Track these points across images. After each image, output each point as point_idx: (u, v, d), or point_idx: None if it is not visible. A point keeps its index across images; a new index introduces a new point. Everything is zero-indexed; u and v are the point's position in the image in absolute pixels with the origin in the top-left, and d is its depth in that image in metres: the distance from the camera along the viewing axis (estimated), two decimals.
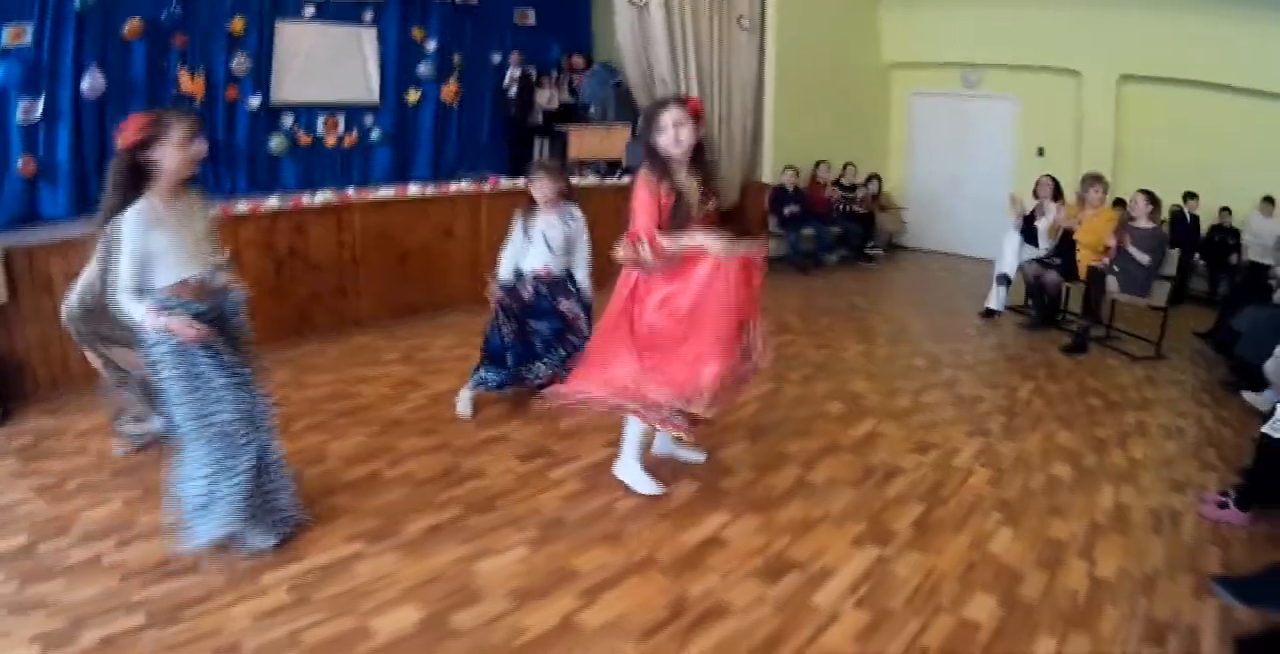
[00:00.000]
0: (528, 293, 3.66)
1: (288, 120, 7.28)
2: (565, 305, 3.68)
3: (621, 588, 2.44)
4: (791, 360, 4.79)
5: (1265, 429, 3.01)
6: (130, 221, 2.28)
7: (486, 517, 2.87)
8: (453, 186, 6.15)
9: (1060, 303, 5.85)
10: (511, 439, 3.55)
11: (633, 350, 2.81)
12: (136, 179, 2.31)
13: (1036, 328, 5.82)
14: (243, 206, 4.99)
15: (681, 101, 2.80)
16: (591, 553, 2.63)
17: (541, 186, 3.55)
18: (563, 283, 3.69)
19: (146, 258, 2.30)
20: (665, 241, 2.71)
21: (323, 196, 5.34)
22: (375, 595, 2.39)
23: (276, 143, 7.15)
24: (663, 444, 3.32)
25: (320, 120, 7.50)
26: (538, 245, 3.61)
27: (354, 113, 7.72)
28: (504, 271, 3.70)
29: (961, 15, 8.23)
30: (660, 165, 2.79)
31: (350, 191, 5.63)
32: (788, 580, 2.50)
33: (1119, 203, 6.41)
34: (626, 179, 6.69)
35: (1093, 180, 5.60)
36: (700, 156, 2.85)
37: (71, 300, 3.22)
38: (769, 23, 7.59)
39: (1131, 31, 7.15)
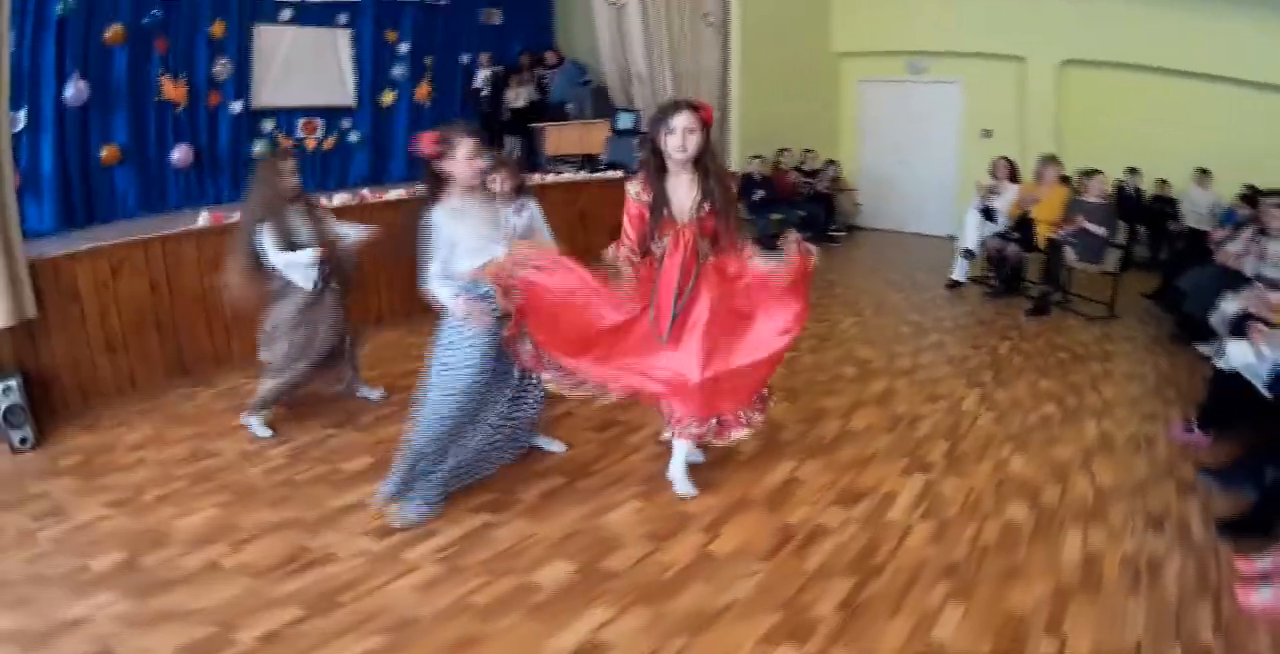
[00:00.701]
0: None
1: (268, 125, 7.42)
2: None
3: (734, 523, 2.98)
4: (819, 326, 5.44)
5: (1218, 364, 3.72)
6: (438, 215, 2.81)
7: (590, 480, 3.35)
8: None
9: (1021, 272, 6.58)
10: (578, 414, 4.01)
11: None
12: (437, 181, 2.85)
13: (999, 295, 6.56)
14: None
15: (695, 107, 2.81)
16: (697, 500, 3.15)
17: (503, 180, 3.60)
18: None
19: (450, 246, 2.81)
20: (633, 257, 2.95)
21: (340, 198, 5.66)
22: (523, 556, 2.79)
23: (260, 147, 7.24)
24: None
25: (299, 124, 7.67)
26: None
27: (331, 116, 7.91)
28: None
29: (908, 5, 8.96)
30: (657, 165, 2.88)
31: (366, 192, 5.95)
32: (863, 504, 3.11)
33: (1064, 180, 7.17)
34: (611, 174, 7.20)
35: (1047, 160, 6.36)
36: (703, 162, 2.88)
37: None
38: (732, 18, 8.15)
39: (1073, 19, 7.95)
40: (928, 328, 5.65)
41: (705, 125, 2.82)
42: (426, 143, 2.77)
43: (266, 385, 3.87)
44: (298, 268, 3.72)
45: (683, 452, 3.18)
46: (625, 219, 2.95)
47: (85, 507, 3.23)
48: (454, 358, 2.94)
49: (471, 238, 2.85)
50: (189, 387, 4.57)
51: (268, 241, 3.63)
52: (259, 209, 3.66)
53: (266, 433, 3.88)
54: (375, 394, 4.31)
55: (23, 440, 3.88)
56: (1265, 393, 3.40)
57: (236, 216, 5.01)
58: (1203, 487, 3.26)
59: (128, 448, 3.78)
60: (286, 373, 3.84)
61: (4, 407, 3.80)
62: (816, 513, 3.04)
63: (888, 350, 5.09)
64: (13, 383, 3.87)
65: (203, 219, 4.94)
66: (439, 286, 2.85)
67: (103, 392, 4.39)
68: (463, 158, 2.79)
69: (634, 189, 2.93)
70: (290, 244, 3.68)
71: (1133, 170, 7.75)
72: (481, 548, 2.83)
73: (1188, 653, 2.26)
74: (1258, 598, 2.48)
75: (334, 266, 3.85)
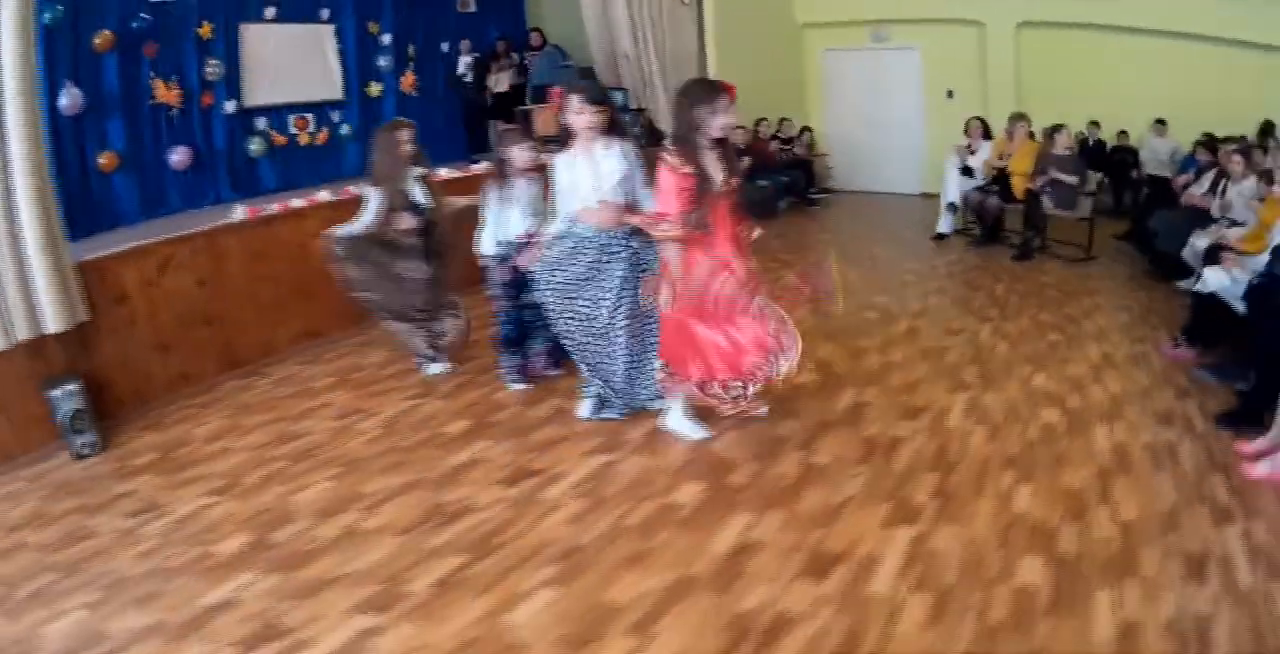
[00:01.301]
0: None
1: (261, 122, 7.60)
2: None
3: (824, 440, 3.54)
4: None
5: (1197, 288, 4.37)
6: (559, 161, 3.39)
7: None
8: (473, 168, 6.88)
9: (1001, 222, 7.23)
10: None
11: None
12: (566, 133, 3.41)
13: (982, 244, 7.21)
14: (299, 202, 5.61)
15: (727, 89, 3.10)
16: (785, 424, 3.70)
17: (519, 153, 3.93)
18: None
19: (566, 190, 3.37)
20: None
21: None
22: (654, 483, 3.25)
23: (255, 145, 7.50)
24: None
25: (291, 120, 7.88)
26: (518, 209, 3.98)
27: (321, 110, 8.14)
28: (486, 247, 4.05)
29: None
30: (693, 145, 3.08)
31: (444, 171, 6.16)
32: (924, 418, 3.73)
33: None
34: None
35: (1016, 118, 7.01)
36: (726, 139, 3.17)
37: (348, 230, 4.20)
38: None
39: None
40: (926, 276, 6.30)
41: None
42: (553, 98, 3.32)
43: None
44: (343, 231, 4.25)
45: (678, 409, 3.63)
46: (663, 192, 3.14)
47: (183, 498, 3.36)
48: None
49: (582, 183, 3.37)
50: (242, 378, 4.77)
51: (372, 205, 4.11)
52: (376, 175, 4.15)
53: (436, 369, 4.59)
54: (437, 368, 4.64)
55: (87, 445, 3.90)
56: (1239, 307, 4.05)
57: (273, 208, 5.42)
58: (1201, 381, 3.92)
59: (204, 440, 3.95)
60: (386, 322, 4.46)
61: (67, 411, 3.85)
62: (889, 427, 3.62)
63: (899, 296, 5.72)
64: (74, 386, 3.89)
65: (239, 213, 5.18)
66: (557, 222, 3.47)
67: (156, 390, 4.51)
68: (574, 110, 3.29)
69: (676, 162, 3.08)
70: (411, 206, 4.20)
71: (1094, 123, 8.46)
72: (611, 482, 3.27)
73: (1212, 511, 2.85)
74: (1259, 470, 3.09)
75: (435, 237, 4.33)
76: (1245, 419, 3.47)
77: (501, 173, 3.97)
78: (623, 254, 3.47)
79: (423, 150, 4.35)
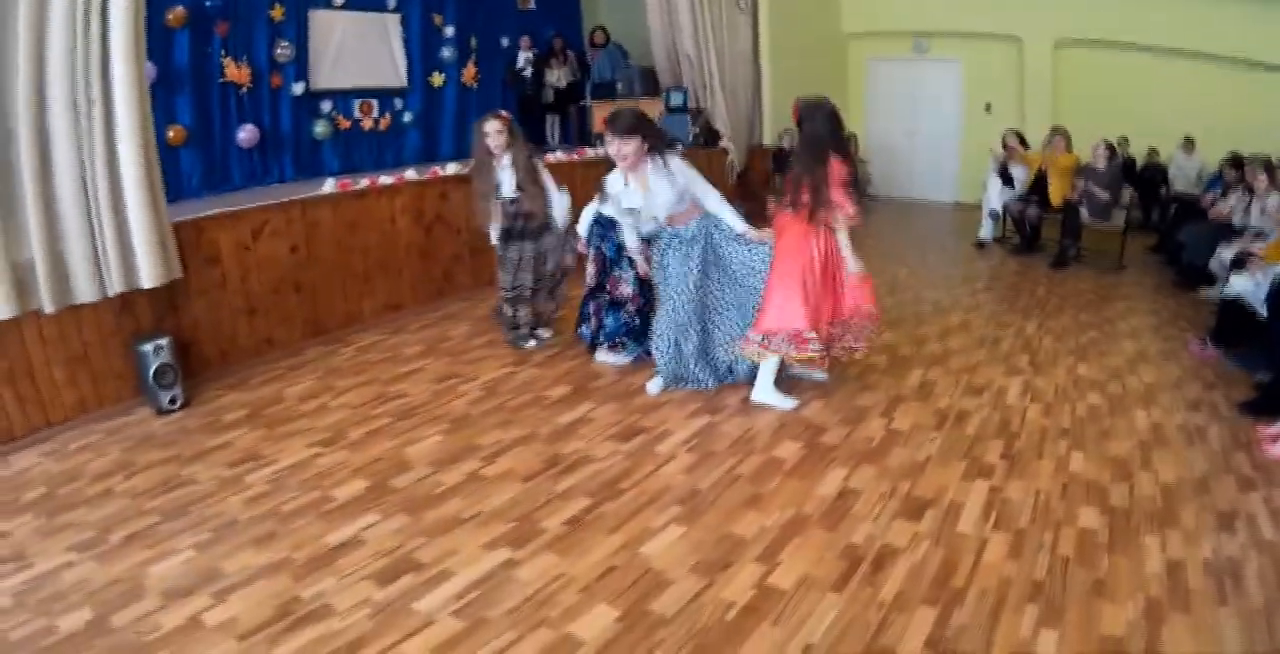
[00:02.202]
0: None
1: (326, 106, 8.04)
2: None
3: (902, 409, 4.14)
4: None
5: (1223, 293, 4.95)
6: (613, 184, 3.98)
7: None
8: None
9: (1038, 232, 7.82)
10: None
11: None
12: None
13: (1021, 252, 7.80)
14: (387, 179, 5.92)
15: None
16: (868, 394, 4.27)
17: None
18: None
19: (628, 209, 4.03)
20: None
21: (454, 167, 6.39)
22: (756, 440, 3.89)
23: (320, 128, 7.94)
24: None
25: (356, 105, 8.36)
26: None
27: (385, 97, 8.62)
28: (581, 229, 4.69)
29: None
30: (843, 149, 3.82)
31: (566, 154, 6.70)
32: (985, 395, 4.31)
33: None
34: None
35: (1054, 132, 7.57)
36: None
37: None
38: (761, 3, 9.20)
39: (1064, 2, 9.17)
40: (972, 277, 6.92)
41: None
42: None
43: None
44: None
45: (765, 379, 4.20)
46: (845, 191, 3.79)
47: (287, 449, 3.60)
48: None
49: (637, 205, 4.01)
50: (326, 345, 5.14)
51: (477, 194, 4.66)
52: (471, 165, 4.68)
53: (533, 344, 5.11)
54: (531, 344, 5.16)
55: (172, 400, 4.15)
56: (1261, 311, 4.62)
57: (364, 183, 5.86)
58: (1226, 369, 4.58)
59: (297, 399, 4.24)
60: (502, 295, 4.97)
61: (156, 366, 4.07)
62: (956, 401, 4.21)
63: (949, 293, 6.33)
64: (163, 342, 4.13)
65: (329, 186, 5.53)
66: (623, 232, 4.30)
67: (241, 353, 4.80)
68: (608, 145, 3.79)
69: (838, 158, 3.80)
70: (498, 195, 4.68)
71: (1124, 139, 9.02)
72: (717, 440, 3.78)
73: (1238, 480, 3.40)
74: (1278, 450, 3.67)
75: (528, 222, 4.81)
76: (1265, 408, 4.04)
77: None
78: (700, 240, 4.06)
79: (521, 138, 4.71)
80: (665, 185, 3.83)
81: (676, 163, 3.85)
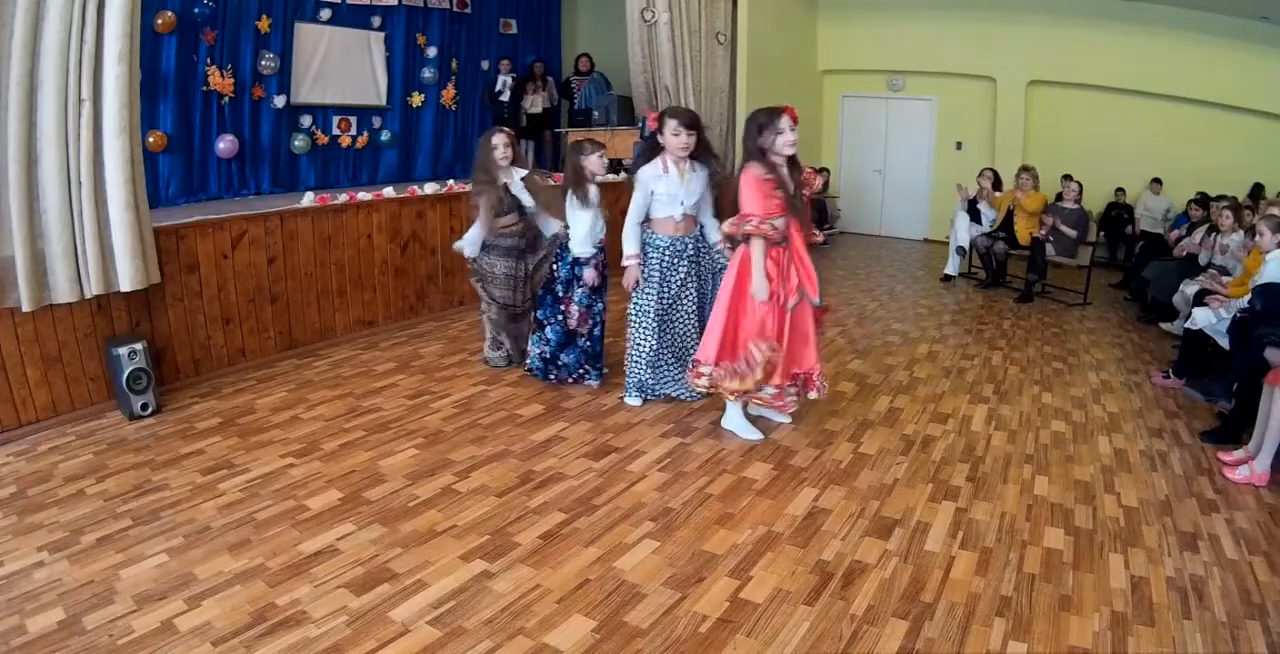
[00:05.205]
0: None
1: (307, 120, 8.11)
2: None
3: (870, 435, 4.23)
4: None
5: (1186, 325, 5.13)
6: (647, 174, 4.02)
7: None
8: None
9: (1005, 268, 8.03)
10: None
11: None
12: (653, 148, 4.03)
13: (987, 287, 8.00)
14: (365, 195, 5.89)
15: (789, 111, 3.54)
16: (838, 418, 4.36)
17: (596, 160, 4.44)
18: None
19: (651, 200, 4.07)
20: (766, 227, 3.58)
21: (432, 187, 6.44)
22: (727, 461, 3.96)
23: (299, 142, 8.00)
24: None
25: (335, 121, 8.43)
26: (593, 212, 4.50)
27: (364, 114, 8.72)
28: (584, 249, 4.55)
29: (887, 28, 10.40)
30: (770, 163, 3.56)
31: (452, 183, 6.64)
32: (950, 422, 4.42)
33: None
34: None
35: (1024, 171, 7.82)
36: (795, 157, 3.68)
37: (470, 238, 4.72)
38: (739, 37, 9.40)
39: (1039, 43, 9.50)
40: (939, 310, 7.06)
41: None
42: (651, 119, 4.03)
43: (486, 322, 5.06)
44: (469, 241, 4.78)
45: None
46: (754, 196, 3.53)
47: (260, 458, 3.61)
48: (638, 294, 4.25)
49: (666, 194, 4.05)
50: (298, 358, 5.16)
51: (482, 210, 4.67)
52: (476, 179, 4.70)
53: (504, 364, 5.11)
54: (504, 362, 5.19)
55: (144, 406, 4.13)
56: (1223, 342, 4.80)
57: (342, 198, 5.89)
58: (1189, 398, 4.75)
59: (270, 410, 4.27)
60: (487, 313, 4.98)
61: (130, 371, 4.07)
62: (923, 427, 4.32)
63: (917, 325, 6.45)
64: (138, 347, 4.12)
65: (308, 199, 5.53)
66: (630, 228, 4.14)
67: (214, 361, 4.80)
68: (670, 131, 3.94)
69: (761, 172, 3.55)
70: (515, 207, 4.72)
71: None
72: (688, 460, 3.82)
73: (1200, 503, 3.51)
74: (1239, 475, 3.80)
75: (530, 239, 4.86)
76: (1226, 436, 4.19)
77: (579, 179, 4.41)
78: (688, 254, 4.21)
79: (525, 153, 4.82)
80: (698, 182, 4.11)
81: (714, 168, 4.18)
